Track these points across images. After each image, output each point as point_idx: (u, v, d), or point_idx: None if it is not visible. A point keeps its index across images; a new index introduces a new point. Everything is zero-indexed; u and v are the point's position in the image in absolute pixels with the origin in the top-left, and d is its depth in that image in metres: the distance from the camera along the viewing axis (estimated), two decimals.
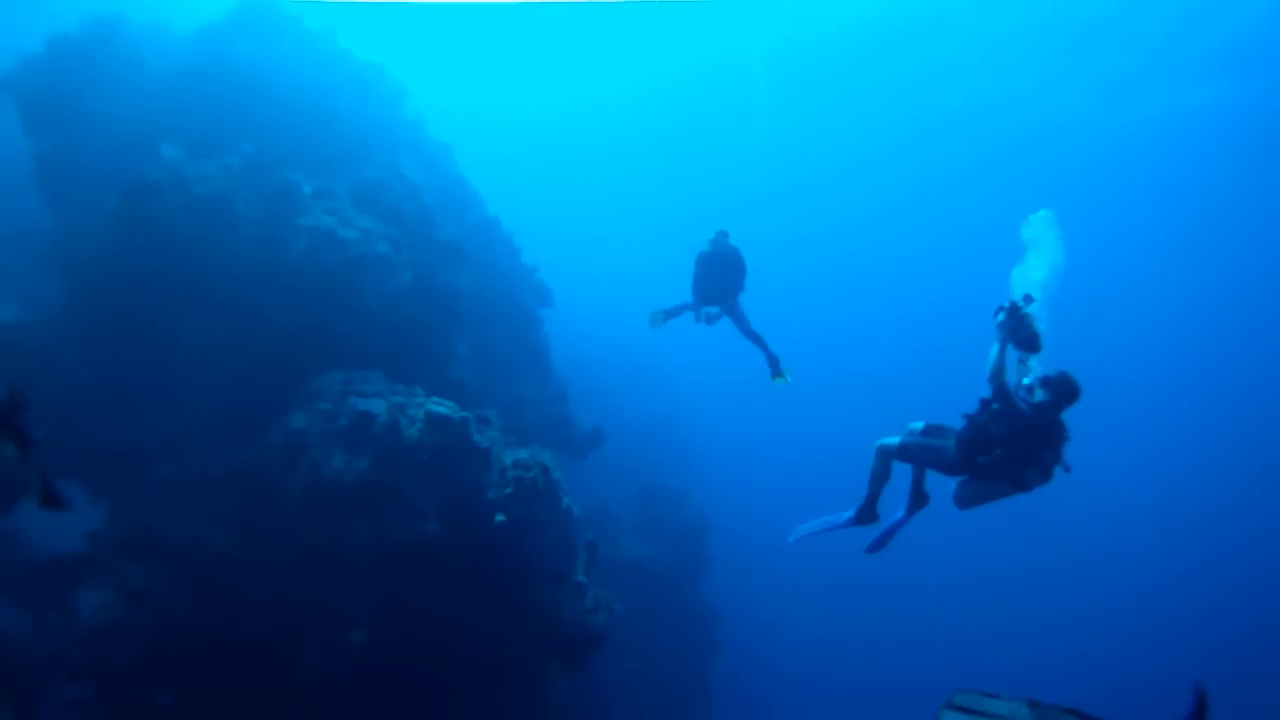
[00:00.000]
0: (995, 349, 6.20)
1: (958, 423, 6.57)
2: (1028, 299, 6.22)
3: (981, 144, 40.25)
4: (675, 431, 27.80)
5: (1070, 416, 6.10)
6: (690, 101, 42.47)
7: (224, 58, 13.59)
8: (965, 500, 6.58)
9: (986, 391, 6.32)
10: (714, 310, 9.87)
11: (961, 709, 3.89)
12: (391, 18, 32.19)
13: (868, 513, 7.20)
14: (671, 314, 10.08)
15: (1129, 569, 38.68)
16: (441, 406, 9.82)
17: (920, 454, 6.75)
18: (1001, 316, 6.19)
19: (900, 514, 7.29)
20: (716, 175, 44.59)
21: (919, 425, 6.85)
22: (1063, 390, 6.00)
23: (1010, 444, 6.13)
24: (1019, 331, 6.13)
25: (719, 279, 9.65)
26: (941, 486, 6.89)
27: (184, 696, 11.34)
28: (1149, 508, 41.56)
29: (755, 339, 9.96)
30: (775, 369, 10.15)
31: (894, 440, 6.88)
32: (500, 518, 9.78)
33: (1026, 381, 6.17)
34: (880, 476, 7.09)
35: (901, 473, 7.17)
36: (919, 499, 7.20)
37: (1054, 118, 36.95)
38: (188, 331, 12.11)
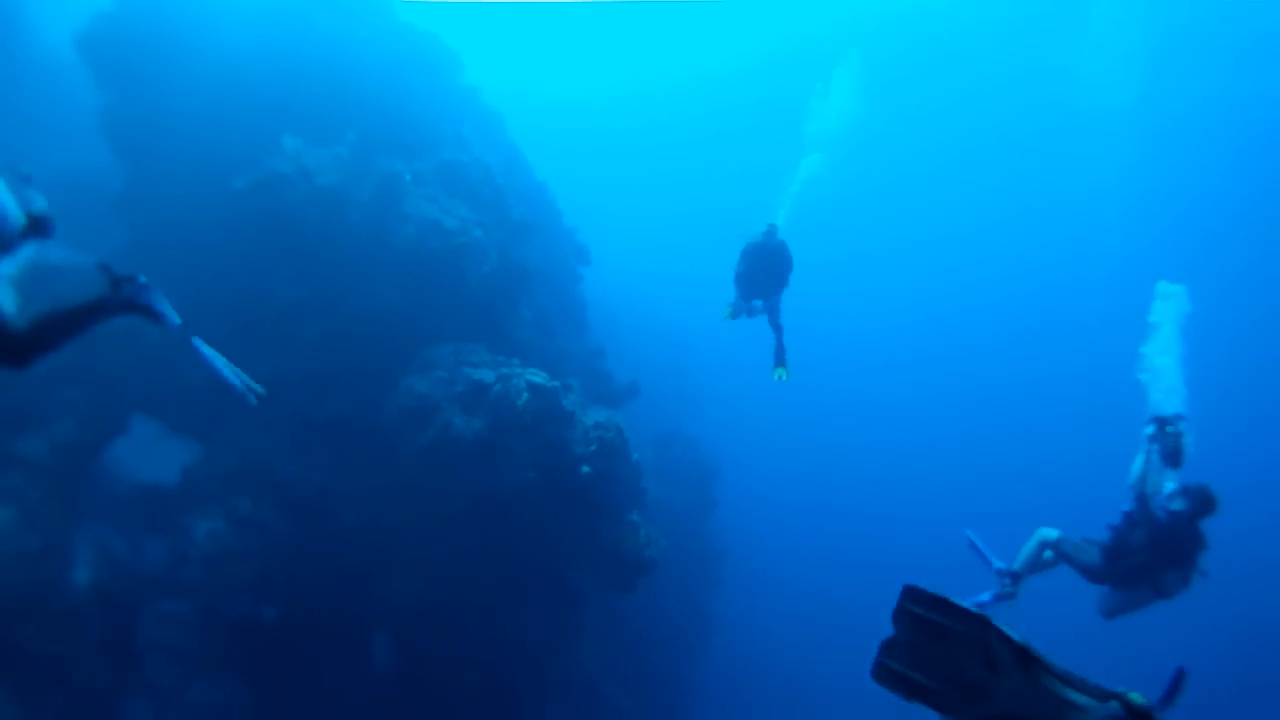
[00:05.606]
0: (1140, 459, 6.48)
1: (1104, 534, 6.77)
2: (1178, 416, 6.46)
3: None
4: (688, 380, 29.26)
5: (1209, 526, 6.24)
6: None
7: (310, 35, 14.40)
8: (1109, 610, 6.78)
9: (1129, 502, 6.54)
10: (758, 304, 9.88)
11: None
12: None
13: (1014, 582, 7.26)
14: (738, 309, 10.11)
15: None
16: (538, 376, 11.51)
17: (1070, 550, 6.87)
18: (1150, 429, 6.45)
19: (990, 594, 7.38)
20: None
21: (1077, 537, 7.08)
22: (1200, 502, 6.15)
23: (1149, 551, 6.32)
24: (1165, 445, 6.36)
25: (766, 272, 9.59)
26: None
27: (288, 610, 13.07)
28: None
29: (777, 329, 9.90)
30: (779, 360, 9.91)
31: (1054, 533, 7.07)
32: (586, 469, 11.56)
33: (1169, 489, 6.31)
34: (1033, 559, 7.21)
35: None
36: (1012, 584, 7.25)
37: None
38: (283, 289, 13.41)
